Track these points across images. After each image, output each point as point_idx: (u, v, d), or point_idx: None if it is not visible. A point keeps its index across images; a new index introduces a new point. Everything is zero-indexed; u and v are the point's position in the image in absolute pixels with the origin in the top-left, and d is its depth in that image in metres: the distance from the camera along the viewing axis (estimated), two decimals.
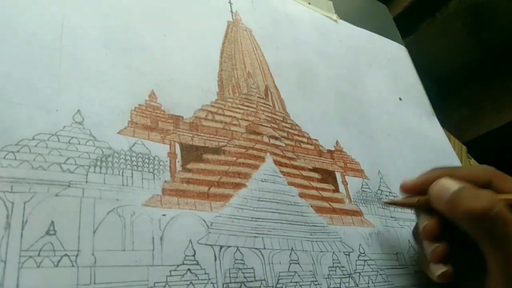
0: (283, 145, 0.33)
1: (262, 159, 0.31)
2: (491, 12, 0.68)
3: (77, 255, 0.20)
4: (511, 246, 0.24)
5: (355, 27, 0.53)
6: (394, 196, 0.38)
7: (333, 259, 0.29)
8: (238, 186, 0.28)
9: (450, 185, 0.27)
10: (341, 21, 0.51)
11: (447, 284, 0.28)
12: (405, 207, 0.32)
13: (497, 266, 0.24)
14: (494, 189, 0.27)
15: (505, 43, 0.70)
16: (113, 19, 0.29)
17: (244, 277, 0.24)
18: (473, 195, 0.25)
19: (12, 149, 0.20)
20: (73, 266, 0.19)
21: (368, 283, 0.30)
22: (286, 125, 0.35)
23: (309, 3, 0.48)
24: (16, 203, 0.19)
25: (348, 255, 0.30)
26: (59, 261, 0.19)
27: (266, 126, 0.33)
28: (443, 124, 0.52)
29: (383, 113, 0.46)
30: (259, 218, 0.27)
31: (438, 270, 0.27)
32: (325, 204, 0.32)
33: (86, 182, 0.22)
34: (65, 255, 0.19)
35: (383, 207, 0.36)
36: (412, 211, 0.33)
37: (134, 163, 0.24)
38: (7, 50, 0.23)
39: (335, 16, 0.50)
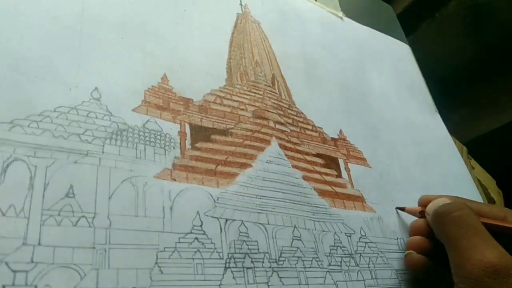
0: (288, 130, 0.34)
1: (268, 142, 0.32)
2: (490, 12, 0.69)
3: (93, 217, 0.21)
4: (459, 244, 0.27)
5: (360, 25, 0.54)
6: (395, 185, 0.39)
7: (334, 239, 0.30)
8: (244, 165, 0.29)
9: (441, 201, 0.31)
10: (346, 19, 0.53)
11: None
12: (411, 214, 0.36)
13: (452, 262, 0.27)
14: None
15: (505, 43, 0.70)
16: (129, 6, 0.30)
17: (248, 248, 0.26)
18: (445, 203, 0.30)
19: (35, 119, 0.22)
20: (90, 227, 0.21)
21: (369, 263, 0.31)
22: (292, 112, 0.36)
23: (316, 0, 0.50)
24: (38, 167, 0.21)
25: (350, 236, 0.32)
26: (77, 221, 0.21)
27: (272, 112, 0.34)
28: None
29: (386, 107, 0.47)
30: (263, 196, 0.29)
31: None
32: (327, 187, 0.33)
33: (103, 152, 0.23)
34: (83, 216, 0.21)
35: (384, 194, 0.37)
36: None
37: (147, 138, 0.26)
38: (33, 29, 0.25)
39: (341, 14, 0.52)
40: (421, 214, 0.33)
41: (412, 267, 0.32)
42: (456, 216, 0.28)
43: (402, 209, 0.36)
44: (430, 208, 0.31)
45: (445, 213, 0.29)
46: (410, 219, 0.38)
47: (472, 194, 0.46)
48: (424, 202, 0.34)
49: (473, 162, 0.62)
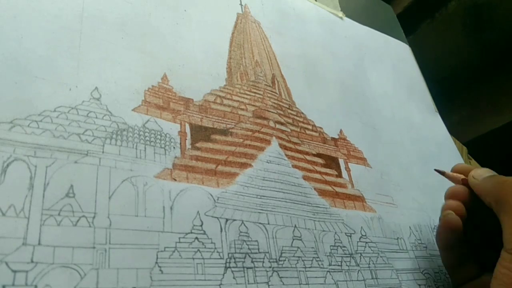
0: (288, 130, 0.34)
1: (268, 142, 0.32)
2: (490, 12, 0.69)
3: (94, 217, 0.21)
4: None
5: (360, 24, 0.54)
6: (396, 185, 0.39)
7: (335, 239, 0.30)
8: (244, 165, 0.29)
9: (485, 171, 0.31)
10: (346, 19, 0.53)
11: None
12: (451, 180, 0.35)
13: (508, 229, 0.26)
14: None
15: (505, 44, 0.70)
16: (129, 6, 0.30)
17: (249, 248, 0.26)
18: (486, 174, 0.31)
19: (35, 119, 0.22)
20: (90, 226, 0.21)
21: (369, 263, 0.31)
22: (292, 112, 0.36)
23: (316, 0, 0.50)
24: (38, 167, 0.21)
25: (350, 236, 0.32)
26: (78, 221, 0.21)
27: (272, 112, 0.34)
28: None
29: (386, 107, 0.47)
30: (263, 196, 0.29)
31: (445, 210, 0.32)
32: (328, 187, 0.33)
33: (103, 152, 0.23)
34: (83, 216, 0.21)
35: (385, 194, 0.37)
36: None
37: (147, 138, 0.26)
38: (33, 29, 0.25)
39: (340, 14, 0.52)
40: (463, 181, 0.33)
41: (448, 228, 0.31)
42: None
43: (442, 173, 0.36)
44: (480, 174, 0.31)
45: (510, 180, 0.28)
46: (408, 218, 0.38)
47: None
48: (461, 170, 0.34)
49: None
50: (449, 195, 0.33)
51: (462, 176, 0.33)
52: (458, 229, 0.30)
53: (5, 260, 0.18)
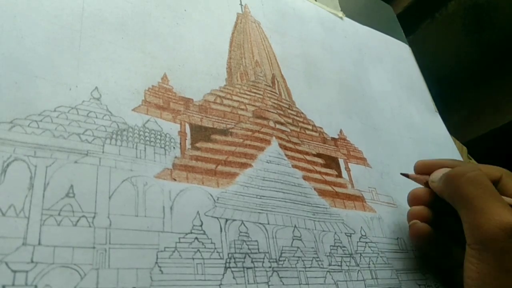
0: (288, 130, 0.34)
1: (268, 142, 0.32)
2: (490, 12, 0.69)
3: (94, 217, 0.21)
4: (477, 204, 0.26)
5: (360, 24, 0.54)
6: (396, 185, 0.39)
7: (334, 239, 0.30)
8: (244, 165, 0.29)
9: (441, 171, 0.31)
10: (346, 19, 0.53)
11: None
12: (416, 181, 0.35)
13: (467, 224, 0.27)
14: (502, 187, 0.30)
15: (505, 44, 0.70)
16: (130, 6, 0.30)
17: (249, 248, 0.26)
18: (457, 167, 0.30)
19: (35, 118, 0.22)
20: (90, 226, 0.21)
21: (369, 264, 0.31)
22: (292, 112, 0.36)
23: (316, 0, 0.50)
24: (38, 167, 0.21)
25: (350, 236, 0.32)
26: (78, 221, 0.21)
27: (272, 112, 0.34)
28: None
29: (386, 107, 0.47)
30: (263, 196, 0.29)
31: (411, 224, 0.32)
32: (328, 187, 0.33)
33: (103, 152, 0.23)
34: (83, 216, 0.21)
35: (384, 194, 0.37)
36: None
37: (147, 138, 0.26)
38: (33, 29, 0.25)
39: (340, 14, 0.52)
40: (426, 184, 0.33)
41: (417, 236, 0.31)
42: (471, 176, 0.28)
43: (406, 175, 0.36)
44: (436, 176, 0.31)
45: (459, 174, 0.29)
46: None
47: None
48: (422, 169, 0.34)
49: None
50: (412, 201, 0.33)
51: (425, 179, 0.33)
52: (427, 235, 0.31)
53: (5, 260, 0.18)
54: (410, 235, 0.33)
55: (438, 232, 0.30)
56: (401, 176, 0.41)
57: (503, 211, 0.25)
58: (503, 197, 0.28)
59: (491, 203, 0.26)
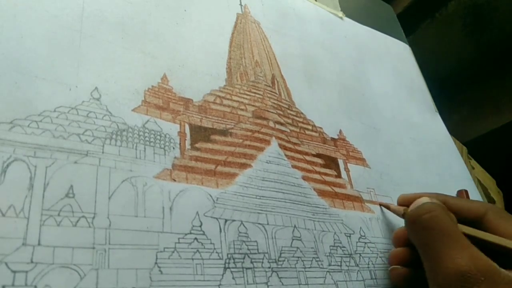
0: (288, 130, 0.34)
1: (268, 142, 0.32)
2: (490, 12, 0.69)
3: (93, 217, 0.21)
4: (431, 251, 0.25)
5: (360, 25, 0.54)
6: (395, 185, 0.39)
7: (334, 239, 0.30)
8: (243, 166, 0.29)
9: (420, 201, 0.28)
10: (346, 19, 0.52)
11: None
12: (395, 213, 0.33)
13: (426, 269, 0.26)
14: (486, 223, 0.29)
15: (505, 43, 0.70)
16: (129, 6, 0.30)
17: (248, 249, 0.26)
18: (419, 204, 0.28)
19: (35, 119, 0.22)
20: (89, 227, 0.21)
21: (368, 264, 0.31)
22: (292, 112, 0.36)
23: (316, 0, 0.50)
24: (38, 167, 0.21)
25: (349, 236, 0.32)
26: (77, 221, 0.21)
27: (272, 112, 0.34)
28: None
29: (386, 107, 0.47)
30: (263, 196, 0.29)
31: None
32: (327, 188, 0.33)
33: (103, 152, 0.23)
34: (83, 216, 0.21)
35: (383, 194, 0.37)
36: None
37: (147, 138, 0.26)
38: (33, 29, 0.25)
39: (340, 14, 0.52)
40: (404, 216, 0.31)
41: (398, 281, 0.30)
42: (425, 219, 0.26)
43: (387, 206, 0.34)
44: (411, 207, 0.29)
45: (414, 216, 0.27)
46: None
47: (472, 194, 0.46)
48: (402, 202, 0.33)
49: (473, 162, 0.62)
50: (394, 241, 0.32)
51: (404, 211, 0.30)
52: (408, 279, 0.29)
53: (4, 260, 0.18)
54: (391, 279, 0.31)
55: (420, 270, 0.27)
56: (401, 176, 0.41)
57: (461, 256, 0.23)
58: (471, 232, 0.27)
59: (447, 249, 0.24)
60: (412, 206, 0.29)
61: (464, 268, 0.23)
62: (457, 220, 0.28)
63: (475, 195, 0.47)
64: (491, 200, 0.58)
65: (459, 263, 0.23)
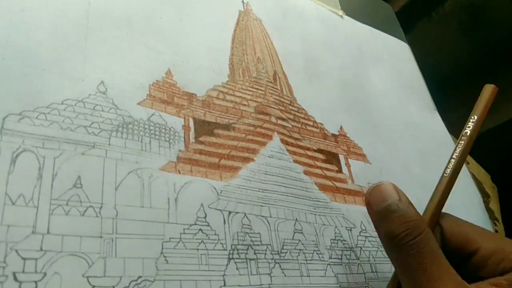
0: (290, 126, 0.35)
1: (270, 137, 0.33)
2: (487, 11, 0.70)
3: (100, 207, 0.21)
4: (413, 277, 0.22)
5: (360, 23, 0.55)
6: (395, 181, 0.40)
7: (335, 233, 0.31)
8: (246, 160, 0.30)
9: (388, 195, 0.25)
10: (346, 17, 0.53)
11: None
12: None
13: None
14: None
15: (501, 43, 0.71)
16: (135, 2, 0.31)
17: (251, 240, 0.26)
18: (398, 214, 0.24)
19: (43, 111, 0.22)
20: (97, 216, 0.21)
21: (369, 257, 0.32)
22: (293, 108, 0.36)
23: None
24: (47, 158, 0.21)
25: (350, 230, 0.32)
26: (85, 211, 0.21)
27: (274, 108, 0.35)
28: None
29: (386, 105, 0.48)
30: (265, 190, 0.29)
31: None
32: (328, 182, 0.34)
33: (109, 144, 0.24)
34: (90, 206, 0.21)
35: None
36: None
37: (152, 131, 0.26)
38: (40, 22, 0.25)
39: (341, 12, 0.52)
40: None
41: None
42: (413, 243, 0.23)
43: None
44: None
45: (393, 238, 0.23)
46: None
47: (469, 190, 0.47)
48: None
49: (468, 158, 0.62)
50: None
51: None
52: None
53: (15, 248, 0.18)
54: None
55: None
56: (401, 172, 0.42)
57: (440, 284, 0.21)
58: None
59: (428, 275, 0.22)
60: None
61: None
62: None
63: (472, 191, 0.48)
64: (485, 195, 0.59)
65: None
